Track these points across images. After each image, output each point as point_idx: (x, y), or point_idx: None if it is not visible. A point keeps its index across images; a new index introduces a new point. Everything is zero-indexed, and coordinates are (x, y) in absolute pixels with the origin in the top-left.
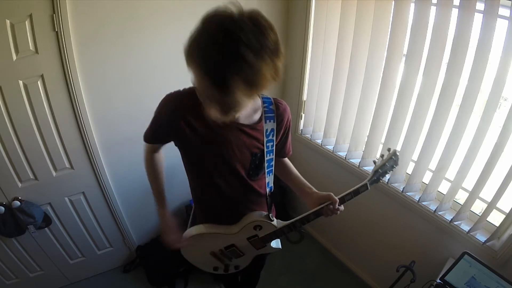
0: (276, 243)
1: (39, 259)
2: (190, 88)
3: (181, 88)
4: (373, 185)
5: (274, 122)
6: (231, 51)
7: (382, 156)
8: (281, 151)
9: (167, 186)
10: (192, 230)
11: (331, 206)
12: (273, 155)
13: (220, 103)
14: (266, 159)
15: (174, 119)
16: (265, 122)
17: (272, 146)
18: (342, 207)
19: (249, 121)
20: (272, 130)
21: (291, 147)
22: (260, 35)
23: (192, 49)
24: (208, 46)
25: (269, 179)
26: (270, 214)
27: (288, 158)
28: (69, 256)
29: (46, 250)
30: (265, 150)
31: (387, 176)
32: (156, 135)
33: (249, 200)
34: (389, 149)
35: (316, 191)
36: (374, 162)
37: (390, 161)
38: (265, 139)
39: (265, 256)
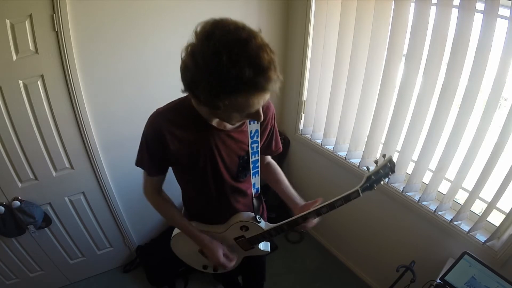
0: (264, 246)
1: (39, 259)
2: (172, 103)
3: (160, 106)
4: (366, 192)
5: (257, 122)
6: (269, 62)
7: (376, 162)
8: (268, 149)
9: (166, 186)
10: None
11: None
12: (258, 156)
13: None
14: (251, 160)
15: (160, 135)
16: (249, 124)
17: (257, 147)
18: (314, 222)
19: (234, 126)
20: (256, 131)
21: (279, 143)
22: (255, 34)
23: (235, 84)
24: (256, 74)
25: (255, 180)
26: (258, 216)
27: (287, 158)
28: (69, 256)
29: (46, 250)
30: (250, 151)
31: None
32: (152, 160)
33: (237, 201)
34: (384, 155)
35: (303, 201)
36: (368, 168)
37: (385, 168)
38: (249, 141)
39: (263, 265)
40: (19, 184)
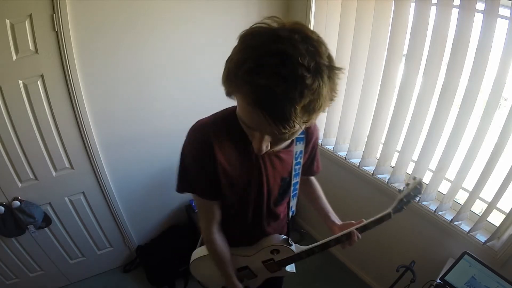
0: (290, 267)
1: (39, 259)
2: (218, 115)
3: (204, 116)
4: (396, 214)
5: (303, 143)
6: (289, 77)
7: (407, 184)
8: (309, 169)
9: (166, 187)
10: (204, 250)
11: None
12: (299, 178)
13: (274, 134)
14: (292, 182)
15: (209, 147)
16: (296, 144)
17: (299, 168)
18: (359, 235)
19: (283, 145)
20: (301, 152)
21: (320, 164)
22: (313, 50)
23: (239, 78)
24: (260, 75)
25: (293, 203)
26: (290, 239)
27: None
28: (69, 256)
29: (46, 250)
30: (293, 173)
31: (390, 180)
32: (205, 179)
33: (269, 225)
34: (414, 178)
35: (340, 221)
36: (399, 191)
37: (415, 190)
38: (293, 162)
39: (281, 281)
40: (19, 184)
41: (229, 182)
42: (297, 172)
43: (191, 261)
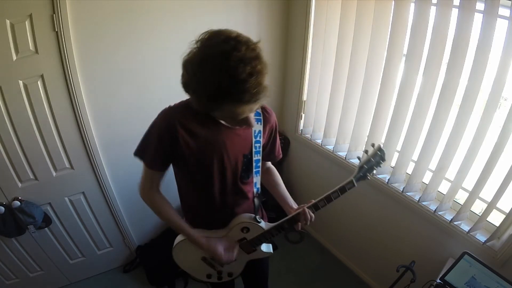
0: (267, 247)
1: (39, 259)
2: (184, 101)
3: (173, 104)
4: (360, 182)
5: (261, 124)
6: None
7: (366, 151)
8: (270, 155)
9: (166, 187)
10: (180, 236)
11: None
12: (260, 156)
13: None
14: (254, 159)
15: (173, 128)
16: None
17: (259, 147)
18: (312, 215)
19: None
20: (259, 131)
21: (280, 150)
22: (251, 56)
23: (201, 94)
24: (237, 84)
25: (256, 180)
26: (257, 216)
27: (287, 158)
28: (69, 256)
29: (46, 250)
30: (253, 150)
31: (387, 177)
32: (158, 152)
33: (238, 205)
34: (373, 144)
35: (296, 205)
36: (358, 158)
37: (376, 156)
38: (253, 140)
39: (265, 266)
40: (19, 184)
41: (194, 157)
42: (258, 150)
43: (173, 247)
